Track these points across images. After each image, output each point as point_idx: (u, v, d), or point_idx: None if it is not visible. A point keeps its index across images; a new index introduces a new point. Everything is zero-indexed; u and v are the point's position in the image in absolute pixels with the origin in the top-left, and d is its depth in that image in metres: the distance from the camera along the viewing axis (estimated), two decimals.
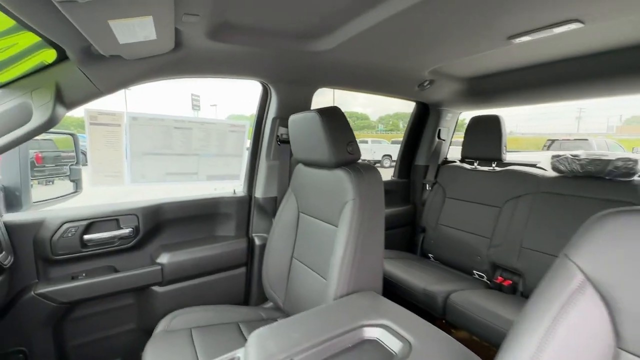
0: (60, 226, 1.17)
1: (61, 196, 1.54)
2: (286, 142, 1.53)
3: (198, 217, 1.49)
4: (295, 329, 0.78)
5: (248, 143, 1.56)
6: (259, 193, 1.58)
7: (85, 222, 1.21)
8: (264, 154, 1.55)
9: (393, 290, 1.66)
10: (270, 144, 1.53)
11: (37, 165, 1.56)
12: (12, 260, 1.08)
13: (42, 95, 0.97)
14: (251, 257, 1.59)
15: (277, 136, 1.52)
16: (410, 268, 1.77)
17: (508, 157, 1.82)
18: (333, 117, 1.10)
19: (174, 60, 1.13)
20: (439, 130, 2.18)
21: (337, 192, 1.09)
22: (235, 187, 1.62)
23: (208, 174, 1.49)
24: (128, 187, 1.31)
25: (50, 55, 0.93)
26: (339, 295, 0.98)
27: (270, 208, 1.59)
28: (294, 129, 1.24)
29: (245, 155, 1.55)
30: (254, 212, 1.60)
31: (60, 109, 1.00)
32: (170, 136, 1.35)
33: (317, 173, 1.22)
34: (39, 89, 0.97)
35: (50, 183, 1.70)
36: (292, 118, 1.25)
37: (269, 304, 1.56)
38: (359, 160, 1.15)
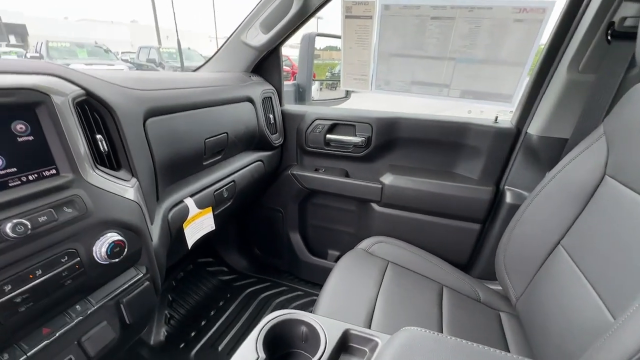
0: (313, 121, 1.29)
1: (331, 99, 1.73)
2: (630, 36, 0.78)
3: (436, 143, 1.19)
4: None
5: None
6: (535, 128, 1.00)
7: (330, 122, 1.27)
8: (567, 61, 0.89)
9: None
10: (587, 42, 0.84)
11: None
12: (282, 141, 1.35)
13: None
14: (493, 215, 1.13)
15: (611, 24, 0.80)
16: None
17: None
18: None
19: None
20: None
21: None
22: (499, 113, 1.12)
23: (463, 88, 1.09)
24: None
25: None
26: None
27: (549, 155, 0.99)
28: None
29: (530, 64, 0.97)
30: (517, 155, 1.06)
31: None
32: (424, 31, 1.04)
33: None
34: None
35: (334, 89, 1.95)
36: None
37: (496, 286, 1.11)
38: None
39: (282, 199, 1.44)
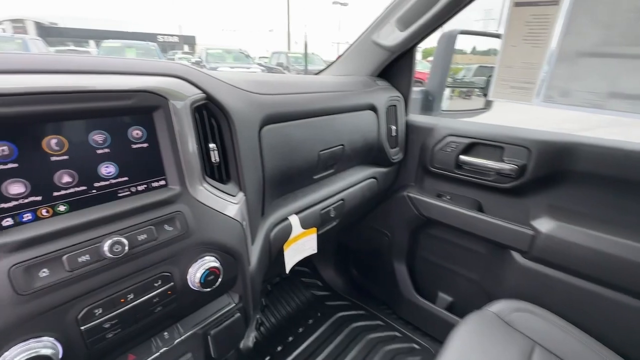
0: (444, 138, 1.05)
1: (467, 110, 1.43)
2: None
3: None
4: None
5: None
6: None
7: (467, 141, 1.01)
8: None
9: None
10: None
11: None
12: (401, 157, 1.15)
13: None
14: None
15: None
16: None
17: None
18: None
19: None
20: None
21: None
22: None
23: None
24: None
25: None
26: None
27: None
28: None
29: None
30: None
31: None
32: None
33: None
34: None
35: (468, 97, 1.64)
36: None
37: None
38: None
39: (392, 222, 1.25)
